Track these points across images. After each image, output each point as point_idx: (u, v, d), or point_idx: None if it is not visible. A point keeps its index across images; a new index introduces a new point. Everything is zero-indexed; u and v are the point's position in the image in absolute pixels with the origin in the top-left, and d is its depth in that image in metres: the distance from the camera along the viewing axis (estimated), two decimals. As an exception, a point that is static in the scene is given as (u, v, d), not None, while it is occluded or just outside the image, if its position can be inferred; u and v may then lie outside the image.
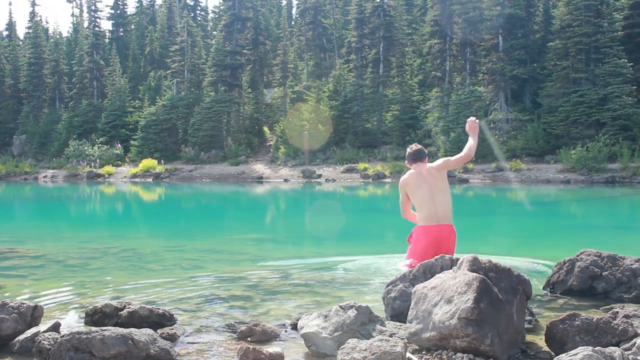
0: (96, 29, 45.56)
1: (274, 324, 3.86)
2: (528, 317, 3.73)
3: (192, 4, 57.37)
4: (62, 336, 3.05)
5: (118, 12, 53.58)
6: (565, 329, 3.14)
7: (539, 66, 30.65)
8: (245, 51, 38.34)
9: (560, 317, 3.21)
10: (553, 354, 3.13)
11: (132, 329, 3.13)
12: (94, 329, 3.04)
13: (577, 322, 3.14)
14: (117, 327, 3.13)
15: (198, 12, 58.31)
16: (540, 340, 3.38)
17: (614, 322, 3.15)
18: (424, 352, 3.19)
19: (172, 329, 3.75)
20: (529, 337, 3.44)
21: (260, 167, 31.53)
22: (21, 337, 3.40)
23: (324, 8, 43.92)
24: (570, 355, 2.64)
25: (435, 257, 4.16)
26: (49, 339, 3.23)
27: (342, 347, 2.93)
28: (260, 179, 28.99)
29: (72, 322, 4.09)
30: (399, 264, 5.87)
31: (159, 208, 17.77)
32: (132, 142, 36.47)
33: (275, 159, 32.61)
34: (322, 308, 3.86)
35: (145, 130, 35.98)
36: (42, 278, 5.85)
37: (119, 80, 40.39)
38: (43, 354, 3.17)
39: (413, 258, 5.59)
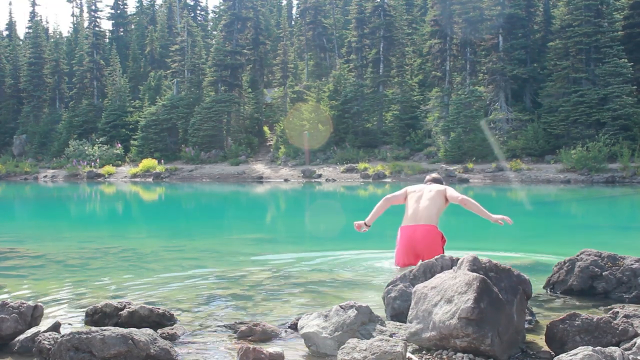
0: (96, 29, 45.55)
1: (274, 324, 3.86)
2: (528, 317, 3.73)
3: (192, 3, 57.37)
4: (62, 336, 3.05)
5: (118, 12, 53.59)
6: (565, 329, 3.14)
7: (539, 66, 30.65)
8: (245, 51, 38.35)
9: (561, 317, 3.21)
10: (553, 353, 3.13)
11: (132, 329, 3.13)
12: (94, 329, 3.04)
13: (577, 322, 3.14)
14: (117, 327, 3.13)
15: (198, 12, 58.33)
16: (540, 340, 3.38)
17: (614, 322, 3.15)
18: (424, 352, 3.19)
19: (172, 329, 3.75)
20: (529, 337, 3.44)
21: (260, 167, 31.53)
22: (21, 337, 3.40)
23: (324, 8, 43.91)
24: (571, 355, 2.64)
25: (435, 257, 4.16)
26: (49, 339, 3.23)
27: (342, 347, 2.93)
28: (260, 179, 28.99)
29: (72, 322, 4.09)
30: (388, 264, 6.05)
31: (159, 208, 17.77)
32: (132, 142, 36.48)
33: (275, 158, 32.61)
34: (322, 308, 3.85)
35: (145, 130, 35.99)
36: (42, 278, 5.85)
37: (119, 80, 40.39)
38: (43, 354, 3.17)
39: (395, 257, 5.86)
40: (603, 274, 4.58)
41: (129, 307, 3.92)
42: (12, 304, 3.54)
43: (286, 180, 27.91)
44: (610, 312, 3.54)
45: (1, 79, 46.81)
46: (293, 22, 51.81)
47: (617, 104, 25.79)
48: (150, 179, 30.21)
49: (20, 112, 44.69)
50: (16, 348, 3.34)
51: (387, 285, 4.12)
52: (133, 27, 53.52)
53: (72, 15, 71.34)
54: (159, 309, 3.97)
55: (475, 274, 3.16)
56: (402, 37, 35.40)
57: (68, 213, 15.61)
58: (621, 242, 8.19)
